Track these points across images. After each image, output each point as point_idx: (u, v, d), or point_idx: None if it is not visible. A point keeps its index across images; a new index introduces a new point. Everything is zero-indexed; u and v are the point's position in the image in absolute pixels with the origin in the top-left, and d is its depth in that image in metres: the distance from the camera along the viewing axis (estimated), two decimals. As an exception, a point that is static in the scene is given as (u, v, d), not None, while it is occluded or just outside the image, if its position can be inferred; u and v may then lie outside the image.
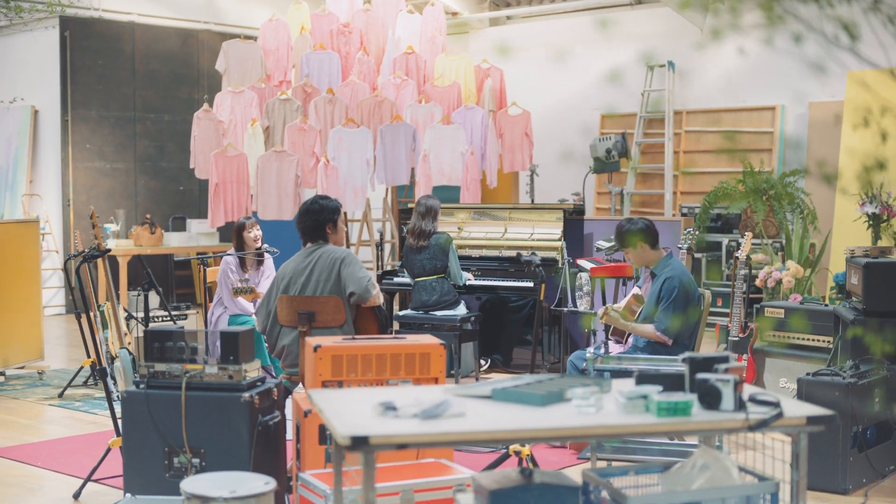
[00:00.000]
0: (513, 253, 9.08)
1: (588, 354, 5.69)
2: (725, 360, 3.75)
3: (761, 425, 3.42)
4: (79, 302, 7.22)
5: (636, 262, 6.64)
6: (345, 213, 12.73)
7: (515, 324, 9.27)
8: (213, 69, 12.26)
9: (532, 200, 13.48)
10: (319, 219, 6.05)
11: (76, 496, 5.58)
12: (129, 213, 13.32)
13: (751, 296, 10.29)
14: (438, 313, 8.45)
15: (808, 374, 5.83)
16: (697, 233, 11.32)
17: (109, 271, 5.97)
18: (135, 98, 13.50)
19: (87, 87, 13.09)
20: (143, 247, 12.71)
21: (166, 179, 13.71)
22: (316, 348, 5.07)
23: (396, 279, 9.15)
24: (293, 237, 13.68)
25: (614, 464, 5.63)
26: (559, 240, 8.89)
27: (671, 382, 3.64)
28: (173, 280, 13.21)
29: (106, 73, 13.26)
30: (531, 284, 8.67)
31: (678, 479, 3.75)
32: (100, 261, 5.86)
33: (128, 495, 4.99)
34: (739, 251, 7.49)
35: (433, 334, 8.41)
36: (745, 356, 7.37)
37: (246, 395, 4.94)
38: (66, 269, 5.73)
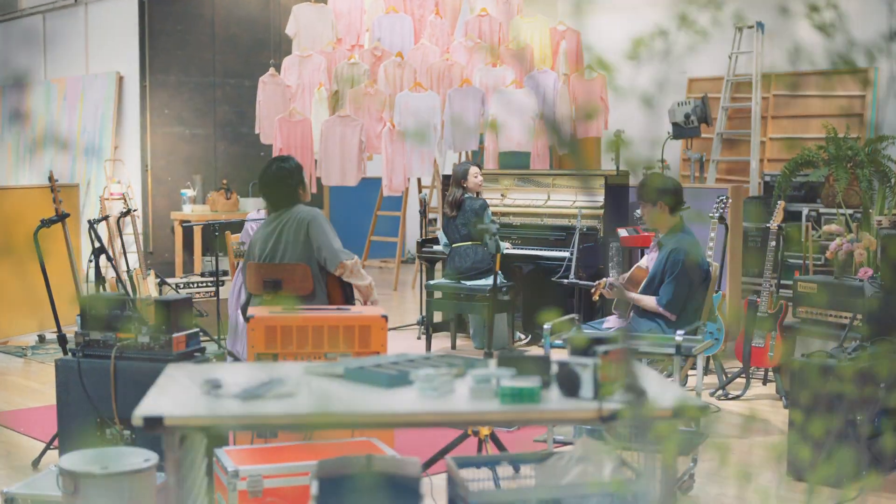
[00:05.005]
0: (555, 221, 8.72)
1: (546, 328, 5.32)
2: (612, 341, 3.40)
3: (613, 417, 3.07)
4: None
5: (648, 221, 6.18)
6: (419, 180, 12.62)
7: (559, 296, 8.89)
8: (293, 34, 12.15)
9: (617, 167, 12.99)
10: (291, 183, 5.80)
11: (35, 464, 5.50)
12: (207, 178, 13.33)
13: (821, 268, 9.69)
14: (470, 282, 8.18)
15: (802, 354, 5.36)
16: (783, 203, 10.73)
17: (69, 237, 5.85)
18: (214, 63, 13.49)
19: (166, 52, 13.12)
20: (219, 212, 12.73)
21: (246, 145, 13.67)
22: (248, 318, 4.85)
23: (435, 247, 8.89)
24: (356, 202, 13.53)
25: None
26: (601, 208, 8.48)
27: (534, 366, 3.30)
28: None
29: (185, 39, 13.27)
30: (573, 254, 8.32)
31: (553, 471, 3.43)
32: (60, 226, 5.74)
33: (52, 466, 4.88)
34: (772, 221, 6.99)
35: (464, 304, 8.24)
36: (773, 333, 6.88)
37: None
38: (35, 236, 5.60)
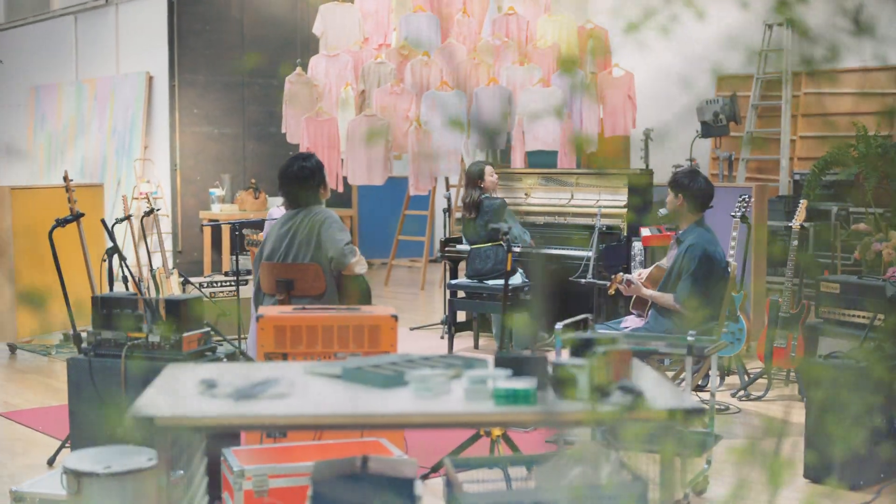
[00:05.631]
0: (578, 221, 8.67)
1: (557, 328, 5.28)
2: (612, 342, 3.36)
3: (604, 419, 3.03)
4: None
5: (669, 210, 6.16)
6: (446, 179, 12.58)
7: (583, 294, 8.82)
8: (321, 34, 12.16)
9: (647, 166, 12.93)
10: (313, 183, 5.80)
11: (50, 462, 5.53)
12: (236, 177, 13.38)
13: (849, 268, 9.59)
14: (492, 282, 8.14)
15: (819, 355, 5.29)
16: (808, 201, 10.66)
17: (84, 236, 5.88)
18: (243, 63, 13.53)
19: (194, 52, 13.18)
20: (247, 211, 12.77)
21: (275, 144, 13.69)
22: (258, 318, 4.85)
23: (459, 247, 8.87)
24: (384, 201, 13.50)
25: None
26: (624, 207, 8.42)
27: (531, 367, 3.26)
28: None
29: (214, 38, 13.32)
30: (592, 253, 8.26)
31: (552, 473, 3.39)
32: (74, 225, 5.77)
33: (61, 465, 4.89)
34: (794, 220, 6.92)
35: (486, 304, 8.21)
36: (795, 334, 6.79)
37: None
38: (50, 235, 5.63)
